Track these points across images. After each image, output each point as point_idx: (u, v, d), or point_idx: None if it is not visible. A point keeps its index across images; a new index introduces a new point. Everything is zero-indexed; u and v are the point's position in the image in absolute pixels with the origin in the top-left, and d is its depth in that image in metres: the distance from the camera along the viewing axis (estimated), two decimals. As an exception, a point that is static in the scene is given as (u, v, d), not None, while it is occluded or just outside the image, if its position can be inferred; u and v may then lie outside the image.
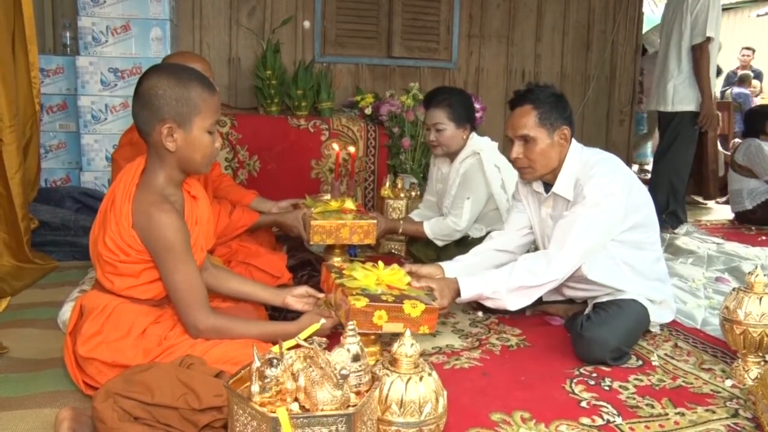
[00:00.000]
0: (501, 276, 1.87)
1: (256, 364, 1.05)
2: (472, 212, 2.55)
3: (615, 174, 1.88)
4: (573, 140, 1.95)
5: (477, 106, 3.27)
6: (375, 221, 2.27)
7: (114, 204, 1.47)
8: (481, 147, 2.58)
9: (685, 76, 3.44)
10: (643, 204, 1.96)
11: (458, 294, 1.86)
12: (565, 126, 1.92)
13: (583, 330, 1.82)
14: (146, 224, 1.44)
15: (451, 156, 2.66)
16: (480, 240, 2.28)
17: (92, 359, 1.44)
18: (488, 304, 1.92)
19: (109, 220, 1.47)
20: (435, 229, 2.62)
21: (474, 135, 2.63)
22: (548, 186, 2.00)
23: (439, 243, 2.62)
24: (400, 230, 2.70)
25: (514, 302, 1.88)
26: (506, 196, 2.53)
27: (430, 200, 2.90)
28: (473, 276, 1.89)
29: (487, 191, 2.56)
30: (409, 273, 1.84)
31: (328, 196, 2.77)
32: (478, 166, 2.55)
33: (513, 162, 1.98)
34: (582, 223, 1.83)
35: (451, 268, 2.03)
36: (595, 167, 1.88)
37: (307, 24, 3.81)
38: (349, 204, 2.39)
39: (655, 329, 2.06)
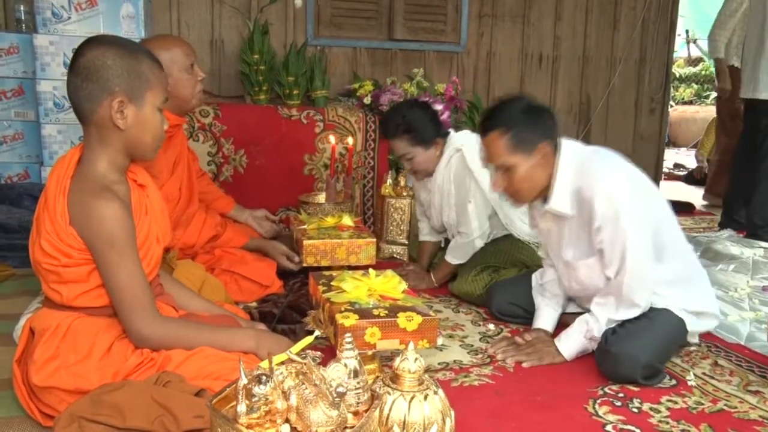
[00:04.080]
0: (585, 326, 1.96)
1: (243, 381, 1.05)
2: (479, 215, 2.55)
3: (615, 170, 1.87)
4: (563, 145, 1.92)
5: (439, 106, 3.29)
6: (374, 239, 2.27)
7: (47, 202, 1.45)
8: (462, 142, 2.57)
9: None
10: (654, 198, 1.94)
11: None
12: (544, 142, 1.88)
13: (609, 345, 1.84)
14: (84, 216, 1.41)
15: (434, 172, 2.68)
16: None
17: (51, 388, 1.42)
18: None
19: (43, 221, 1.45)
20: (455, 253, 2.64)
21: (450, 135, 2.65)
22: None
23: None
24: (436, 284, 2.72)
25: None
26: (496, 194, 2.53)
27: (425, 219, 2.91)
28: (567, 338, 1.99)
29: (479, 189, 2.52)
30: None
31: (322, 196, 2.79)
32: (462, 162, 2.55)
33: (500, 193, 2.01)
34: (629, 240, 1.82)
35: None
36: (590, 172, 1.86)
37: (299, 2, 3.82)
38: (347, 220, 2.40)
39: (694, 339, 2.07)
